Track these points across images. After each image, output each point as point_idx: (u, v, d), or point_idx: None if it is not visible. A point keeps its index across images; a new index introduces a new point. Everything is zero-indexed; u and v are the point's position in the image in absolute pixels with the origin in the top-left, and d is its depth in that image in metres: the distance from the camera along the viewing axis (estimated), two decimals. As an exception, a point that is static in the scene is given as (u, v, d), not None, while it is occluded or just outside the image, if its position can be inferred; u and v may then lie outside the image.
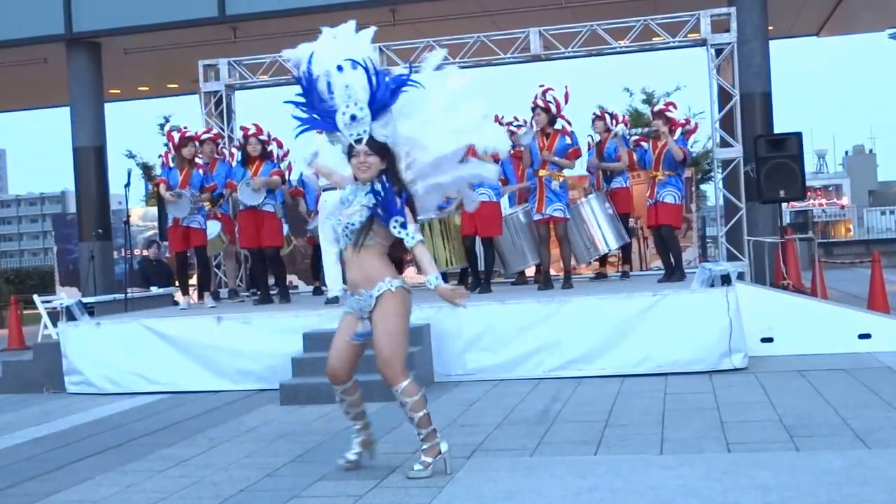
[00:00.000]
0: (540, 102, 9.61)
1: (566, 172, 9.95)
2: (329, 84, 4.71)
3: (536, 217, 9.73)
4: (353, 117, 4.69)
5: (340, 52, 4.76)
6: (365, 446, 5.06)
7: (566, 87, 9.74)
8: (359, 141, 4.71)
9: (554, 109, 9.59)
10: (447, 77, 5.00)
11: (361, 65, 4.66)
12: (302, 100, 4.85)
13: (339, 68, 4.68)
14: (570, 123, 9.80)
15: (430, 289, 4.67)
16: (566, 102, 9.71)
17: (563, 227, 9.71)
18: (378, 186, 4.70)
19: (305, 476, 5.03)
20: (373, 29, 4.99)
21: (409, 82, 4.75)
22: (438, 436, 4.83)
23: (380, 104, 4.71)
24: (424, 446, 4.81)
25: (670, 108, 9.65)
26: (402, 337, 4.73)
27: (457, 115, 4.90)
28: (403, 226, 4.64)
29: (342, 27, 4.93)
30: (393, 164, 4.78)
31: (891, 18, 18.05)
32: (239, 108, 12.89)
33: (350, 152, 4.77)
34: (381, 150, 4.74)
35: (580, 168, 10.99)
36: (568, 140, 9.67)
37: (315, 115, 4.83)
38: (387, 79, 4.74)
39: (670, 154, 9.39)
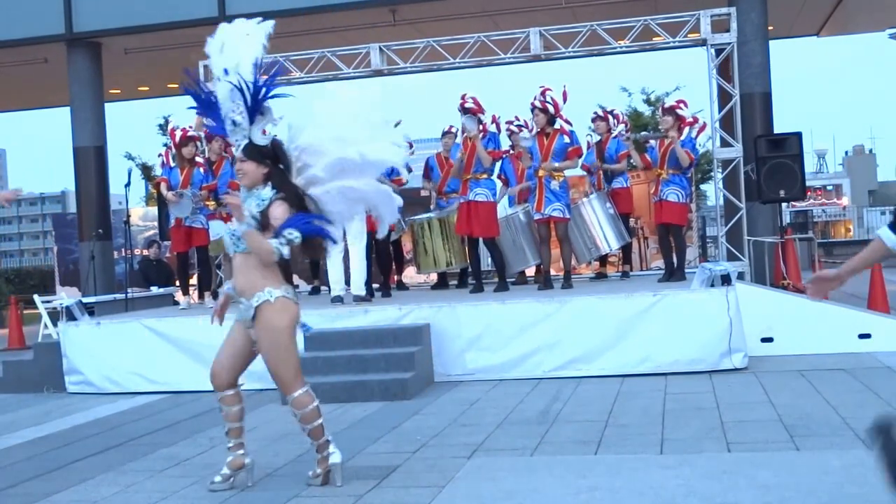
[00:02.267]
0: (538, 103, 9.62)
1: (568, 172, 9.95)
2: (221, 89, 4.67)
3: (536, 217, 9.73)
4: (234, 122, 4.65)
5: (229, 52, 4.67)
6: (234, 468, 4.86)
7: (564, 88, 9.76)
8: (238, 147, 4.66)
9: (552, 110, 9.60)
10: (343, 88, 4.99)
11: (233, 69, 4.58)
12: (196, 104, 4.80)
13: (226, 72, 4.63)
14: (569, 123, 9.80)
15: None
16: (564, 102, 9.72)
17: (563, 228, 9.71)
18: (264, 194, 4.62)
19: (306, 476, 5.03)
20: (269, 23, 4.80)
21: (274, 87, 4.68)
22: (331, 448, 4.75)
23: (251, 109, 4.63)
24: (318, 456, 4.76)
25: (681, 105, 9.69)
26: (286, 348, 4.62)
27: (350, 125, 4.79)
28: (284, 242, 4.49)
29: (238, 22, 4.80)
30: (280, 169, 4.68)
31: (891, 18, 18.03)
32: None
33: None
34: (259, 156, 4.64)
35: (580, 168, 10.99)
36: (567, 139, 9.66)
37: (213, 120, 4.77)
38: (260, 82, 4.65)
39: (675, 153, 9.41)
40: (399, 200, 5.18)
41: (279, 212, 4.56)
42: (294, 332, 4.69)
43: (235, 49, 4.68)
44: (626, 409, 6.40)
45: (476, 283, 9.89)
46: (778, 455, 4.86)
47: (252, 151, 4.64)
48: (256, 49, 4.69)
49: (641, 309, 7.94)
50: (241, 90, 4.59)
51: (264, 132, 4.72)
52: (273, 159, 4.69)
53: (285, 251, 4.51)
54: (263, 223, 4.56)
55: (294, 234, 4.51)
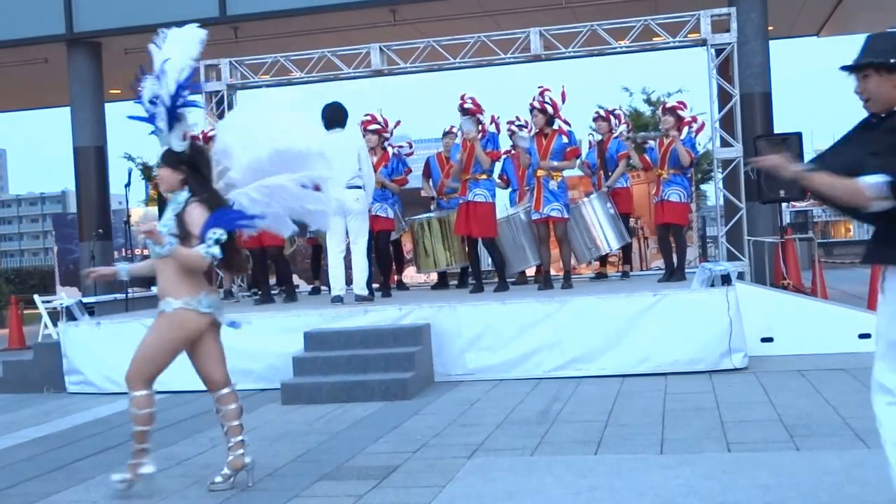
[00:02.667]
0: (537, 104, 9.62)
1: (567, 172, 9.95)
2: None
3: (535, 216, 9.73)
4: (158, 130, 4.76)
5: (165, 58, 4.78)
6: (235, 468, 4.90)
7: (563, 88, 9.77)
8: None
9: (551, 110, 9.60)
10: (269, 93, 5.10)
11: (160, 76, 4.70)
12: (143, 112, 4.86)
13: (157, 77, 4.73)
14: (568, 123, 9.81)
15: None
16: (563, 102, 9.73)
17: (562, 228, 9.70)
18: (180, 197, 4.70)
19: (305, 476, 5.03)
20: (202, 32, 4.97)
21: (189, 98, 4.78)
22: (147, 459, 4.81)
23: (170, 116, 4.72)
24: (131, 461, 4.80)
25: (682, 106, 9.72)
26: (158, 353, 4.76)
27: (266, 123, 4.88)
28: (212, 243, 4.54)
29: (174, 31, 4.93)
30: (199, 174, 4.74)
31: (891, 18, 18.02)
32: (240, 108, 12.88)
33: None
34: (175, 162, 4.72)
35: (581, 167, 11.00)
36: (565, 140, 9.67)
37: (152, 123, 4.84)
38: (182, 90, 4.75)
39: (675, 152, 9.43)
40: (332, 204, 5.18)
41: (196, 214, 4.63)
42: (178, 344, 4.79)
43: (171, 55, 4.80)
44: (626, 409, 6.40)
45: (476, 283, 9.89)
46: (778, 455, 4.86)
47: (169, 157, 4.75)
48: (183, 57, 4.80)
49: (641, 309, 7.93)
50: (164, 97, 4.70)
51: (183, 137, 4.79)
52: (190, 164, 4.75)
53: (215, 251, 4.56)
54: (180, 227, 4.63)
55: (219, 233, 4.57)
